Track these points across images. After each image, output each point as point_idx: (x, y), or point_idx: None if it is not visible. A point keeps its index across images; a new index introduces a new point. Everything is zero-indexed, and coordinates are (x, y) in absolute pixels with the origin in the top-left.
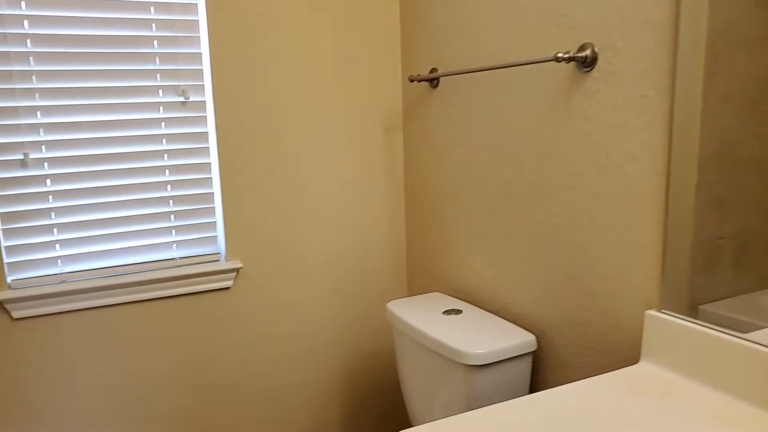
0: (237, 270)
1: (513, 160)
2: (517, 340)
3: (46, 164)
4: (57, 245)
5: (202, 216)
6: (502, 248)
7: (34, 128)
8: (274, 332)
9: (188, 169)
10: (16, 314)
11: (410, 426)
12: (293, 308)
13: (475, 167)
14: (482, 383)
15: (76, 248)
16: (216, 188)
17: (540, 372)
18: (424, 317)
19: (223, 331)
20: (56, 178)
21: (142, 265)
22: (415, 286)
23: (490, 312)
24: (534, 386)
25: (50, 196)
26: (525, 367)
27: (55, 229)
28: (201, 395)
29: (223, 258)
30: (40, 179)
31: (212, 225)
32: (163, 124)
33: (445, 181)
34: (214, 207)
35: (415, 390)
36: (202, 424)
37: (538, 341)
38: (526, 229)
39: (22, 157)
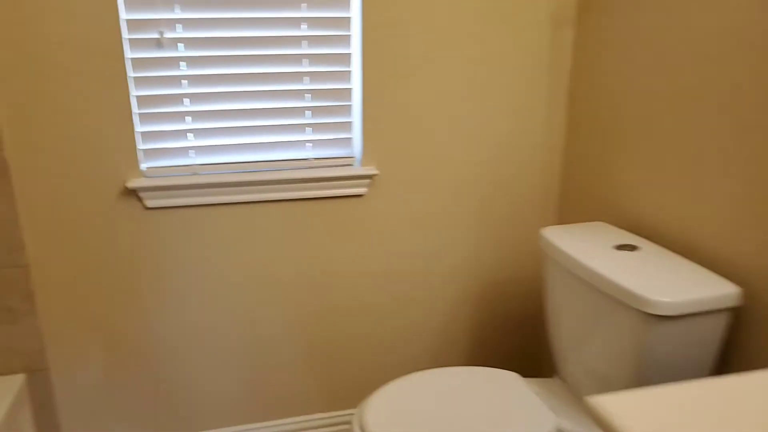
0: (371, 177)
1: (735, 58)
2: (715, 290)
3: (181, 45)
4: (190, 134)
5: (339, 114)
6: (698, 173)
7: (169, 3)
8: (406, 247)
9: (328, 60)
10: (149, 203)
11: (549, 366)
12: (429, 223)
13: (673, 66)
14: (663, 337)
15: (209, 139)
16: (356, 84)
17: (738, 335)
18: (591, 251)
19: (353, 240)
20: (191, 62)
21: (274, 162)
22: (569, 212)
23: (675, 253)
24: (727, 350)
25: (184, 81)
26: (719, 325)
27: (188, 117)
28: (325, 302)
29: (357, 162)
30: (174, 62)
31: (348, 126)
32: (304, 5)
33: (627, 86)
34: (351, 105)
35: (566, 330)
36: (324, 331)
37: (743, 297)
38: (745, 150)
39: (158, 36)
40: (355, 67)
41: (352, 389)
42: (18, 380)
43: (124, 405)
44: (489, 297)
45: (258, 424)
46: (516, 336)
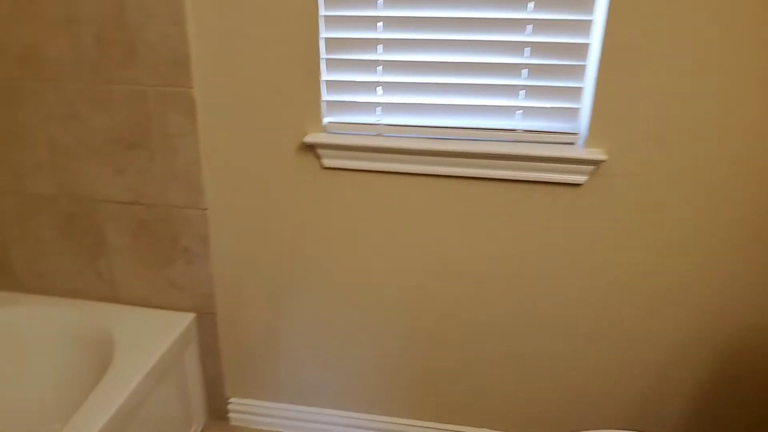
0: (597, 163)
1: None
2: None
3: None
4: (379, 88)
5: (566, 76)
6: None
7: None
8: (626, 264)
9: (558, 4)
10: (326, 162)
11: None
12: (667, 239)
13: None
14: None
15: (399, 95)
16: (595, 39)
17: None
18: None
19: (557, 242)
20: (389, 1)
21: (472, 131)
22: None
23: None
24: None
25: (379, 23)
26: None
27: (379, 68)
28: (512, 307)
29: (581, 141)
30: (371, 0)
31: (577, 93)
32: None
33: None
34: (585, 66)
35: None
36: (503, 341)
37: None
38: None
39: None
40: (598, 14)
41: (525, 414)
42: (188, 318)
43: (284, 357)
44: (738, 346)
45: (425, 424)
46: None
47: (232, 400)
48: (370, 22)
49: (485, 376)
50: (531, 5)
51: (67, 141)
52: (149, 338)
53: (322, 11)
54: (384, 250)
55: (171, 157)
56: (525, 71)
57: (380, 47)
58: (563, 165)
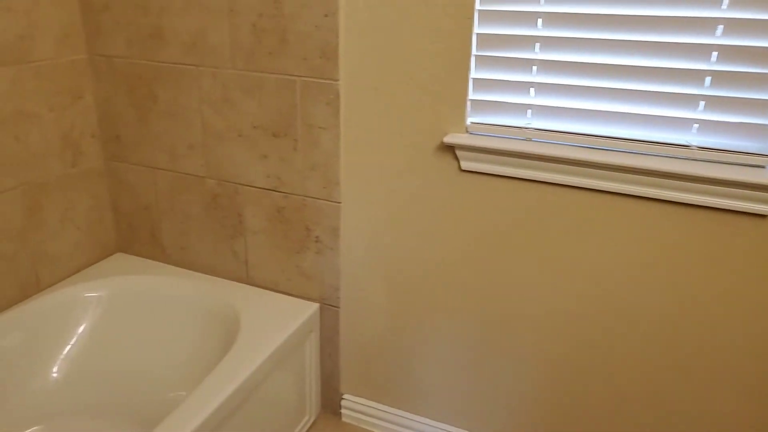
0: None
1: None
2: None
3: None
4: (532, 89)
5: (759, 86)
6: None
7: None
8: None
9: (758, 1)
10: (465, 165)
11: None
12: None
13: None
14: None
15: (555, 98)
16: None
17: None
18: None
19: (734, 281)
20: None
21: (636, 143)
22: None
23: None
24: None
25: (539, 19)
26: None
27: (534, 67)
28: (676, 352)
29: None
30: None
31: None
32: None
33: None
34: None
35: None
36: (668, 394)
37: None
38: None
39: None
40: None
41: None
42: (312, 308)
43: (403, 361)
44: None
45: None
46: None
47: (345, 396)
48: (530, 18)
49: (626, 419)
50: (725, 2)
51: (218, 125)
52: (274, 322)
53: (478, 5)
54: (525, 266)
55: (312, 148)
56: (708, 79)
57: (538, 45)
58: (747, 191)
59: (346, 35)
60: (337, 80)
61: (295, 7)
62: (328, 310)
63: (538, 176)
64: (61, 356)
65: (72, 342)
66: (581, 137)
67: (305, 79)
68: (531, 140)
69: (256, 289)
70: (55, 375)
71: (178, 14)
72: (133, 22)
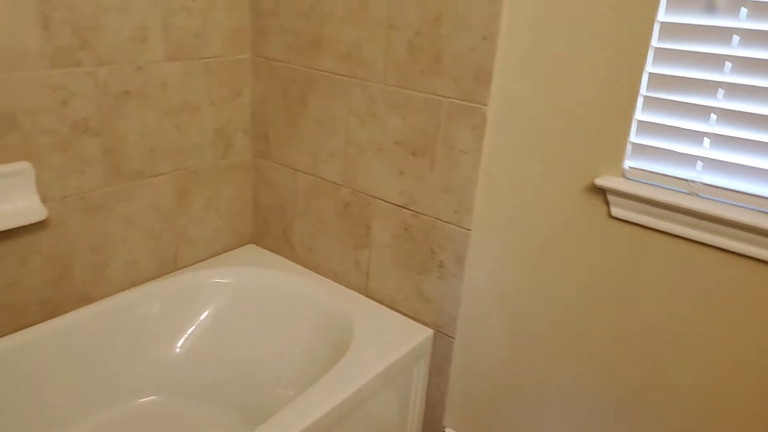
0: None
1: None
2: None
3: (744, 10)
4: (706, 140)
5: None
6: None
7: None
8: None
9: None
10: (616, 211)
11: None
12: None
13: None
14: None
15: (735, 154)
16: None
17: None
18: None
19: None
20: (749, 37)
21: None
22: None
23: None
24: None
25: (728, 64)
26: None
27: (713, 115)
28: None
29: None
30: (726, 34)
31: None
32: None
33: None
34: None
35: None
36: None
37: None
38: None
39: None
40: None
41: None
42: (426, 333)
43: (514, 403)
44: None
45: None
46: None
47: (447, 429)
48: (716, 61)
49: None
50: None
51: (361, 136)
52: (387, 339)
53: (655, 42)
54: (672, 334)
55: (450, 171)
56: None
57: (721, 92)
58: None
59: (502, 60)
60: (485, 105)
61: (453, 27)
62: (443, 338)
63: (701, 237)
64: (186, 334)
65: (197, 322)
66: (760, 200)
67: (453, 100)
68: (698, 196)
69: (373, 302)
70: (178, 350)
71: (339, 24)
72: (296, 28)
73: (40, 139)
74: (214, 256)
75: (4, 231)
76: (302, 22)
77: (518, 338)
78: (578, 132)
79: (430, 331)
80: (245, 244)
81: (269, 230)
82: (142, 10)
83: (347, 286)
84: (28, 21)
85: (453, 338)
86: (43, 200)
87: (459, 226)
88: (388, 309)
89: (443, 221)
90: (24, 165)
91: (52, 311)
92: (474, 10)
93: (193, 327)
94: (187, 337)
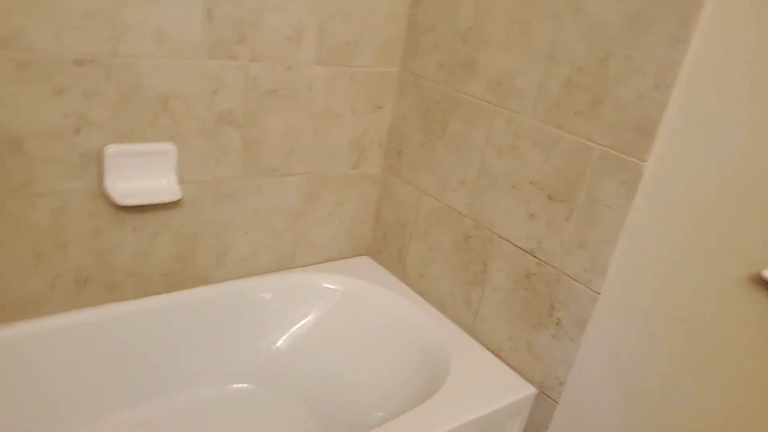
0: None
1: None
2: None
3: None
4: None
5: None
6: None
7: None
8: None
9: None
10: None
11: None
12: None
13: None
14: None
15: None
16: None
17: None
18: None
19: None
20: None
21: None
22: None
23: None
24: None
25: None
26: None
27: None
28: None
29: None
30: None
31: None
32: None
33: None
34: None
35: None
36: None
37: None
38: None
39: None
40: None
41: None
42: (528, 390)
43: None
44: None
45: None
46: None
47: None
48: None
49: None
50: None
51: (496, 169)
52: (484, 387)
53: None
54: None
55: (588, 224)
56: None
57: None
58: None
59: (673, 114)
60: (643, 161)
61: (623, 70)
62: (545, 400)
63: None
64: (289, 332)
65: (301, 322)
66: None
67: (607, 149)
68: None
69: (477, 344)
70: (279, 345)
71: (495, 50)
72: (450, 48)
73: (187, 123)
74: (330, 261)
75: (143, 204)
76: (458, 42)
77: (633, 422)
78: (751, 212)
79: (533, 390)
80: (361, 254)
81: (386, 246)
82: (301, 10)
83: (453, 320)
84: (195, 12)
85: (557, 403)
86: (180, 181)
87: (587, 287)
88: (492, 355)
89: (570, 277)
90: (169, 146)
91: (171, 285)
92: (651, 54)
93: (297, 326)
94: (289, 335)
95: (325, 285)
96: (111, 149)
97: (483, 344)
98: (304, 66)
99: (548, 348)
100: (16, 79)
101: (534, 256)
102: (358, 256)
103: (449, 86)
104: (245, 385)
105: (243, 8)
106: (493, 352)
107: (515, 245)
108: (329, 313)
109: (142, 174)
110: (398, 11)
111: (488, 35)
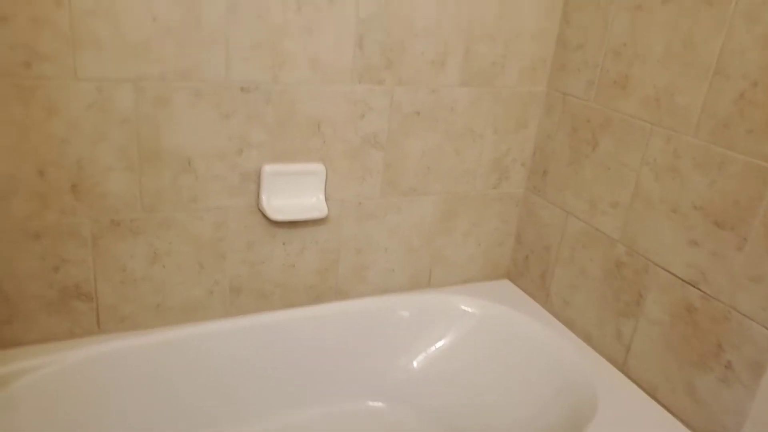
0: None
1: None
2: None
3: None
4: None
5: None
6: None
7: None
8: None
9: None
10: None
11: None
12: None
13: None
14: None
15: None
16: None
17: None
18: None
19: None
20: None
21: None
22: None
23: None
24: None
25: None
26: None
27: None
28: None
29: None
30: None
31: None
32: None
33: None
34: None
35: None
36: None
37: None
38: None
39: None
40: None
41: None
42: None
43: None
44: None
45: None
46: None
47: None
48: None
49: None
50: None
51: (653, 192)
52: (638, 429)
53: None
54: None
55: (765, 256)
56: None
57: None
58: None
59: None
60: None
61: None
62: None
63: None
64: (426, 352)
65: (438, 344)
66: None
67: None
68: None
69: (629, 382)
70: (415, 365)
71: (652, 66)
72: (601, 65)
73: (335, 145)
74: (466, 282)
75: (294, 221)
76: (610, 59)
77: None
78: None
79: None
80: (500, 278)
81: (527, 270)
82: (447, 34)
83: (601, 354)
84: (348, 41)
85: None
86: (327, 199)
87: (766, 328)
88: (647, 396)
89: (743, 315)
90: (319, 166)
91: (315, 297)
92: None
93: (434, 347)
94: (425, 355)
95: (464, 307)
96: (268, 169)
97: (636, 382)
98: (447, 88)
99: (714, 393)
100: (191, 105)
101: (697, 288)
102: (496, 279)
103: (599, 104)
104: (379, 404)
105: (391, 36)
106: (647, 392)
107: (674, 275)
108: (467, 336)
109: (293, 192)
110: (546, 31)
111: (645, 50)
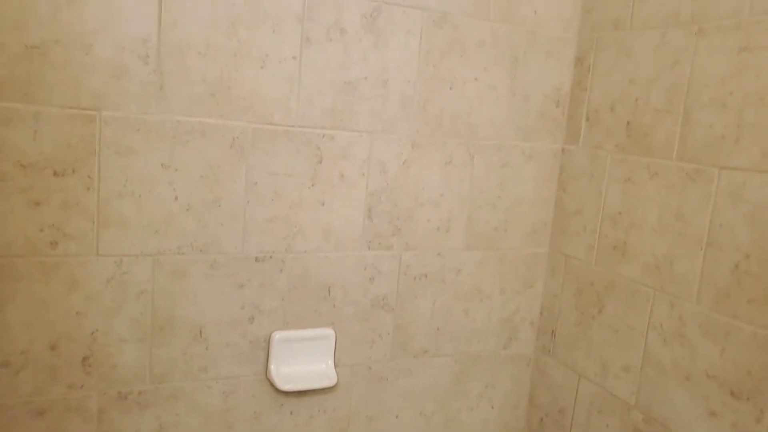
0: None
1: None
2: None
3: None
4: None
5: None
6: None
7: None
8: None
9: None
10: None
11: None
12: None
13: None
14: None
15: None
16: None
17: None
18: None
19: None
20: None
21: None
22: None
23: None
24: None
25: None
26: None
27: None
28: None
29: None
30: None
31: None
32: None
33: None
34: None
35: None
36: None
37: None
38: None
39: None
40: None
41: None
42: None
43: None
44: None
45: None
46: None
47: None
48: None
49: None
50: None
51: (663, 358)
52: None
53: None
54: None
55: None
56: None
57: None
58: None
59: None
60: None
61: None
62: None
63: None
64: None
65: None
66: None
67: None
68: None
69: None
70: None
71: (648, 234)
72: (599, 231)
73: (345, 309)
74: None
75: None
76: (607, 225)
77: None
78: None
79: None
80: None
81: None
82: (450, 204)
83: None
84: (358, 212)
85: None
86: (336, 364)
87: None
88: None
89: None
90: (328, 331)
91: None
92: None
93: None
94: None
95: None
96: (278, 336)
97: None
98: (453, 251)
99: None
100: (207, 277)
101: None
102: None
103: (601, 267)
104: None
105: (399, 206)
106: None
107: None
108: None
109: (302, 359)
110: (544, 198)
111: (639, 220)
